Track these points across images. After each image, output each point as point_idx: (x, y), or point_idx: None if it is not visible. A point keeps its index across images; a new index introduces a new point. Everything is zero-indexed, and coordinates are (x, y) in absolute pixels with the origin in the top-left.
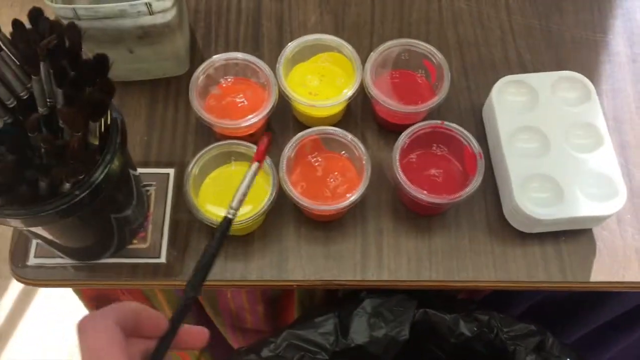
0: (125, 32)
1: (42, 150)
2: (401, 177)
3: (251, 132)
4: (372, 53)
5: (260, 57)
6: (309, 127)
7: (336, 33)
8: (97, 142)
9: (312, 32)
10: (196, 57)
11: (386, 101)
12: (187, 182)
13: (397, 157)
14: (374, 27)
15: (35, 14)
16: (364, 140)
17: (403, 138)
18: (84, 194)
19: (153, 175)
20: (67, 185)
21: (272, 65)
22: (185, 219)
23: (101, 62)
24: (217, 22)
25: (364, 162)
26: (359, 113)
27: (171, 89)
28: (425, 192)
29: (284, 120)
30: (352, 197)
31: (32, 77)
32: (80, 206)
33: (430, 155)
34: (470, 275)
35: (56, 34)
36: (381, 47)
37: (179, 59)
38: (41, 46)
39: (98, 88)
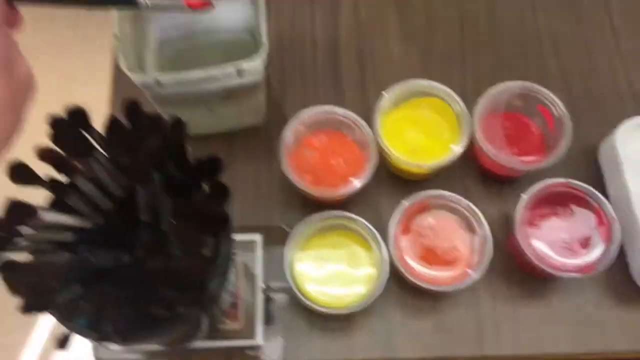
0: (208, 94)
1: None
2: (524, 242)
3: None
4: (479, 99)
5: (341, 96)
6: (403, 178)
7: (423, 67)
8: (210, 254)
9: (396, 65)
10: (271, 100)
11: (500, 156)
12: (285, 263)
13: (518, 220)
14: (466, 58)
15: (132, 109)
16: (466, 191)
17: (525, 199)
18: (197, 313)
19: (239, 242)
20: (182, 309)
21: (355, 106)
22: (280, 293)
23: (214, 164)
24: (291, 58)
25: (483, 236)
26: (458, 161)
27: (249, 141)
28: (564, 263)
29: (376, 171)
30: (474, 274)
31: (138, 187)
32: (194, 324)
33: (554, 216)
34: (598, 346)
35: (160, 134)
36: (490, 92)
37: (258, 111)
38: (146, 151)
39: (213, 194)
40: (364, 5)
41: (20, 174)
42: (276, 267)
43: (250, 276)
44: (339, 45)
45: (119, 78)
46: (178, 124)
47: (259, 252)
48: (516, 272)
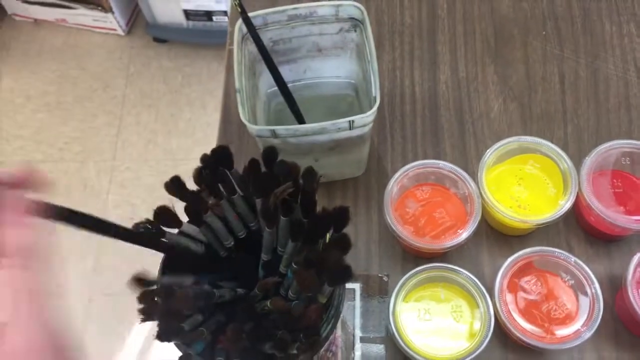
0: (318, 145)
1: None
2: (637, 303)
3: None
4: (586, 158)
5: (440, 150)
6: (503, 232)
7: (523, 123)
8: (324, 301)
9: (495, 121)
10: (372, 154)
11: (612, 215)
12: (390, 313)
13: (630, 279)
14: (567, 115)
15: (270, 155)
16: (569, 249)
17: (636, 261)
18: (308, 357)
19: None
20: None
21: (454, 160)
22: (378, 344)
23: (341, 215)
24: (392, 114)
25: (593, 295)
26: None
27: (348, 191)
28: None
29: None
30: (585, 333)
31: (266, 229)
32: None
33: None
34: None
35: (292, 181)
36: (596, 151)
37: (360, 163)
38: (276, 194)
39: (336, 244)
40: (462, 62)
41: (176, 187)
42: (372, 317)
43: (345, 325)
44: (438, 100)
45: (225, 126)
46: (310, 174)
47: (358, 300)
48: (624, 334)
